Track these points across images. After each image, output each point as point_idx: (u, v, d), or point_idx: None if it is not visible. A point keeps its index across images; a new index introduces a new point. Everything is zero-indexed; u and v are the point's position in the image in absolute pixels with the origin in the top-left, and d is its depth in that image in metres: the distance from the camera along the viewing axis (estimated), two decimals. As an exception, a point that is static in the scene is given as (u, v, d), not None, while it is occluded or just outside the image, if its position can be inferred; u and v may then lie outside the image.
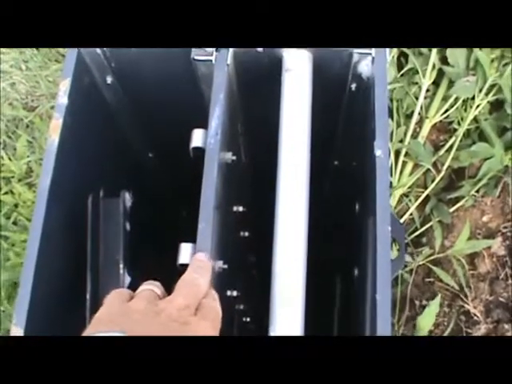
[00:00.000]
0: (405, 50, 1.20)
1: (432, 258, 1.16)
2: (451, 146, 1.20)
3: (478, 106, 1.18)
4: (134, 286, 0.50)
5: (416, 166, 1.22)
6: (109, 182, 0.70)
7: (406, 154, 1.20)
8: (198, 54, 0.61)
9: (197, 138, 0.58)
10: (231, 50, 0.61)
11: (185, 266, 0.52)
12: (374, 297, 0.52)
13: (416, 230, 1.20)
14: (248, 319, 0.98)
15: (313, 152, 0.60)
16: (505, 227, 1.16)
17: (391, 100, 1.22)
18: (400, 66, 1.23)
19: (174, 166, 0.80)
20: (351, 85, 0.65)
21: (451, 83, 1.18)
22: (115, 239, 0.64)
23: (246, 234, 0.88)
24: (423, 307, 1.10)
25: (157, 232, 0.85)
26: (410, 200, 1.21)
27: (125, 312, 0.45)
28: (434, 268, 1.14)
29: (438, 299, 1.07)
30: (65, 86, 0.60)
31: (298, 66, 0.62)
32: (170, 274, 0.50)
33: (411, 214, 1.21)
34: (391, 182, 1.19)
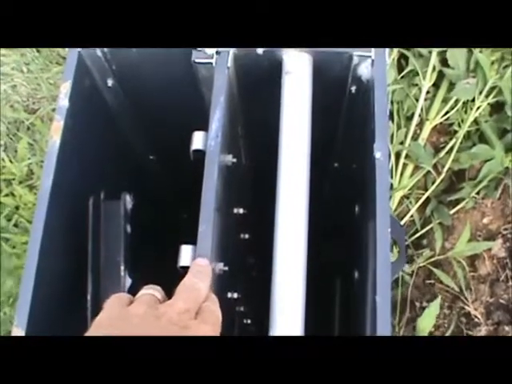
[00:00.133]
0: (405, 51, 1.20)
1: (432, 259, 1.16)
2: (451, 148, 1.20)
3: (478, 108, 1.18)
4: (134, 288, 0.50)
5: (416, 167, 1.22)
6: (110, 184, 0.70)
7: (407, 156, 1.20)
8: (198, 56, 0.61)
9: (197, 140, 0.58)
10: (231, 52, 0.61)
11: (185, 268, 0.52)
12: (374, 299, 0.52)
13: (416, 231, 1.20)
14: (249, 321, 0.98)
15: (313, 154, 0.60)
16: (505, 229, 1.16)
17: (391, 102, 1.22)
18: (400, 68, 1.23)
19: (174, 168, 0.80)
20: (351, 87, 0.65)
21: (451, 85, 1.18)
22: (116, 241, 0.64)
23: (247, 236, 0.88)
24: (424, 309, 1.09)
25: (158, 234, 0.85)
26: (410, 202, 1.21)
27: (125, 316, 0.46)
28: (435, 270, 1.14)
29: (437, 301, 1.07)
30: (66, 89, 0.61)
31: (298, 69, 0.62)
32: (170, 276, 0.50)
33: (412, 216, 1.21)
34: (392, 184, 1.19)
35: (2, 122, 1.40)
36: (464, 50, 1.15)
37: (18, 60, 1.45)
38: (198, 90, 0.65)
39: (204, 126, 0.58)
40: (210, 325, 0.47)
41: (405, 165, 1.21)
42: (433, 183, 1.20)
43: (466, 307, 1.11)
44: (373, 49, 0.60)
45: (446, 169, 1.19)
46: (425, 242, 1.20)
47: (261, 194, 0.63)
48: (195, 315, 0.47)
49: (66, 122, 0.60)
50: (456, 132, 1.22)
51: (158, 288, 0.50)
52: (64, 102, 0.60)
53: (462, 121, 1.20)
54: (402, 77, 1.22)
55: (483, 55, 1.13)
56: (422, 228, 1.20)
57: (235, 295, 0.74)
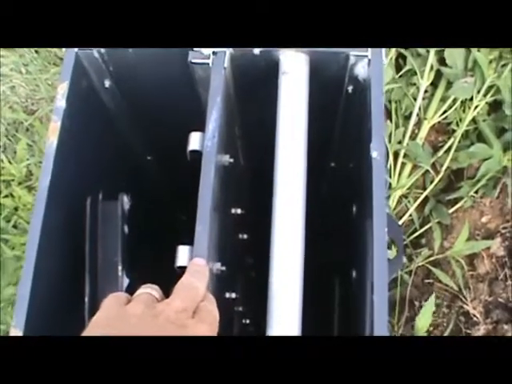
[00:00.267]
0: (403, 51, 1.20)
1: (431, 259, 1.16)
2: (450, 147, 1.20)
3: (476, 107, 1.18)
4: (132, 288, 0.50)
5: (415, 167, 1.22)
6: (107, 184, 0.70)
7: (405, 156, 1.20)
8: (195, 57, 0.61)
9: (194, 141, 0.58)
10: (228, 53, 0.61)
11: (182, 269, 0.52)
12: (372, 298, 0.52)
13: (415, 231, 1.20)
14: (247, 321, 0.98)
15: (310, 154, 0.60)
16: (504, 228, 1.16)
17: (389, 101, 1.22)
18: (398, 67, 1.23)
19: (172, 168, 0.80)
20: (348, 87, 0.66)
21: (449, 84, 1.18)
22: (113, 242, 0.65)
23: (245, 236, 0.88)
24: (422, 308, 1.10)
25: (155, 234, 0.85)
26: (409, 201, 1.21)
27: (122, 316, 0.46)
28: (434, 269, 1.14)
29: (432, 298, 1.06)
30: (63, 90, 0.61)
31: (294, 69, 0.62)
32: (167, 277, 0.50)
33: (410, 215, 1.21)
34: (390, 184, 1.19)
35: (1, 123, 1.40)
36: (462, 49, 1.16)
37: (17, 61, 1.46)
38: (194, 90, 0.65)
39: (201, 127, 0.59)
40: (207, 324, 0.47)
41: (403, 164, 1.21)
42: (431, 182, 1.20)
43: (465, 306, 1.11)
44: (369, 48, 0.61)
45: (444, 168, 1.19)
46: (423, 241, 1.20)
47: (259, 194, 0.64)
48: (193, 314, 0.47)
49: (63, 123, 0.60)
50: (454, 131, 1.22)
51: (156, 287, 0.50)
52: (61, 102, 0.60)
53: (460, 120, 1.20)
54: (400, 76, 1.22)
55: (481, 54, 1.13)
56: (421, 227, 1.20)
57: (233, 295, 0.74)
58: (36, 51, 1.46)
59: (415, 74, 1.20)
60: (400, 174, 1.21)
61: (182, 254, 0.54)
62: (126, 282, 0.64)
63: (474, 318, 1.09)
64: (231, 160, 0.66)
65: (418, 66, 1.19)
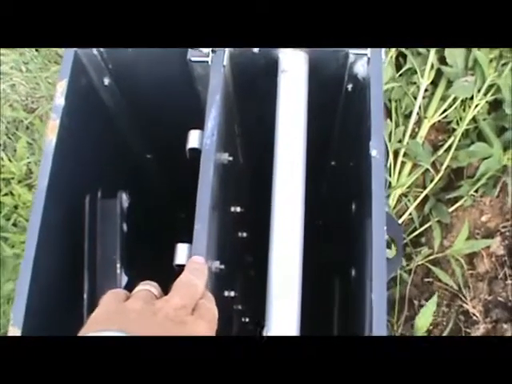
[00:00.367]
0: (403, 50, 1.20)
1: (431, 257, 1.16)
2: (450, 146, 1.20)
3: (476, 106, 1.18)
4: (130, 286, 0.50)
5: (415, 166, 1.22)
6: (106, 182, 0.70)
7: (405, 154, 1.20)
8: (194, 55, 0.61)
9: (193, 139, 0.58)
10: (227, 51, 0.61)
11: (181, 267, 0.52)
12: (371, 296, 0.52)
13: (415, 229, 1.20)
14: (247, 319, 0.98)
15: (310, 152, 0.60)
16: (504, 227, 1.16)
17: (390, 100, 1.22)
18: (398, 66, 1.23)
19: (171, 167, 0.80)
20: (347, 85, 0.65)
21: (450, 83, 1.18)
22: (112, 239, 0.65)
23: (244, 234, 0.88)
24: (422, 307, 1.10)
25: (154, 232, 0.85)
26: (408, 200, 1.21)
27: (121, 311, 0.46)
28: (433, 268, 1.14)
29: (434, 299, 1.07)
30: (62, 87, 0.61)
31: (293, 67, 0.62)
32: (166, 274, 0.50)
33: (410, 214, 1.21)
34: (390, 182, 1.19)
35: (1, 121, 1.40)
36: (462, 48, 1.15)
37: (17, 59, 1.45)
38: (193, 88, 0.65)
39: (200, 125, 0.59)
40: (206, 321, 0.47)
41: (403, 163, 1.21)
42: (431, 181, 1.20)
43: (465, 305, 1.11)
44: (369, 47, 0.61)
45: (444, 167, 1.19)
46: (423, 240, 1.20)
47: (258, 193, 0.63)
48: (191, 311, 0.47)
49: (62, 121, 0.60)
50: (454, 130, 1.22)
51: (155, 284, 0.50)
52: (60, 100, 0.60)
53: (461, 119, 1.20)
54: (400, 75, 1.22)
55: (481, 53, 1.13)
56: (421, 226, 1.20)
57: (232, 293, 0.74)
58: (36, 49, 1.46)
59: (415, 72, 1.20)
60: (400, 173, 1.21)
61: (181, 251, 0.54)
62: (124, 279, 0.64)
63: (474, 317, 1.09)
64: (230, 158, 0.66)
65: (419, 64, 1.19)
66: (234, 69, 0.63)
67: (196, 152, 0.58)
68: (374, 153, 0.57)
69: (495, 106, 1.21)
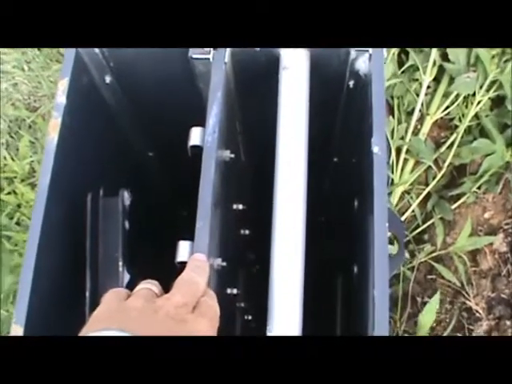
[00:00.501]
0: (405, 46, 1.20)
1: (434, 254, 1.15)
2: (452, 143, 1.19)
3: (478, 103, 1.18)
4: (132, 284, 0.50)
5: (417, 163, 1.22)
6: (108, 180, 0.70)
7: (407, 151, 1.20)
8: (195, 52, 0.61)
9: (195, 136, 0.58)
10: (229, 48, 0.61)
11: (183, 264, 0.52)
12: (373, 293, 0.52)
13: (418, 227, 1.20)
14: (250, 317, 0.98)
15: (311, 149, 0.60)
16: (506, 224, 1.15)
17: (392, 97, 1.22)
18: (401, 63, 1.23)
19: (173, 164, 0.80)
20: (349, 82, 0.65)
21: (452, 80, 1.18)
22: (114, 237, 0.65)
23: (247, 231, 0.88)
24: (425, 304, 1.09)
25: (156, 230, 0.85)
26: (411, 197, 1.21)
27: (122, 309, 0.46)
28: (436, 265, 1.14)
29: (437, 296, 1.06)
30: (63, 86, 0.61)
31: (295, 64, 0.62)
32: (168, 272, 0.50)
33: (413, 211, 1.21)
34: (393, 180, 1.19)
35: (4, 120, 1.40)
36: (464, 45, 1.15)
37: (19, 58, 1.46)
38: (195, 85, 0.65)
39: (202, 122, 0.58)
40: (207, 319, 0.47)
41: (406, 160, 1.21)
42: (434, 178, 1.20)
43: (468, 302, 1.10)
44: (370, 44, 0.60)
45: (446, 164, 1.19)
46: (426, 237, 1.20)
47: (260, 190, 0.63)
48: (193, 309, 0.47)
49: (64, 119, 0.60)
50: (457, 127, 1.21)
51: (156, 282, 0.50)
52: (61, 98, 0.60)
53: (463, 115, 1.20)
54: (403, 72, 1.22)
55: (483, 49, 1.12)
56: (423, 223, 1.20)
57: (235, 291, 0.74)
58: (38, 48, 1.46)
59: (418, 69, 1.19)
60: (402, 170, 1.21)
61: (183, 249, 0.54)
62: (126, 277, 0.64)
63: (477, 314, 1.09)
64: (232, 155, 0.66)
65: (421, 61, 1.19)
66: (235, 66, 0.63)
67: (198, 149, 0.58)
68: (375, 149, 0.57)
69: (497, 102, 1.21)
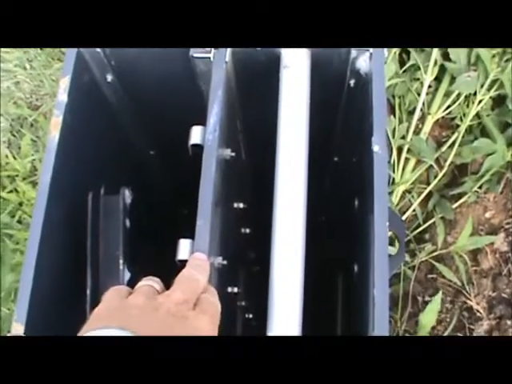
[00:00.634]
0: (406, 46, 1.20)
1: (435, 254, 1.15)
2: (453, 142, 1.20)
3: (480, 102, 1.18)
4: (133, 282, 0.50)
5: (418, 162, 1.22)
6: (109, 179, 0.70)
7: (409, 151, 1.20)
8: (196, 51, 0.61)
9: (195, 135, 0.58)
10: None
11: (183, 262, 0.52)
12: (372, 292, 0.52)
13: (419, 226, 1.20)
14: (250, 316, 0.99)
15: (313, 148, 0.60)
16: (507, 223, 1.15)
17: (393, 96, 1.22)
18: (402, 63, 1.23)
19: (174, 163, 0.80)
20: (350, 81, 0.65)
21: (453, 79, 1.18)
22: (115, 236, 0.65)
23: (248, 230, 0.88)
24: (426, 303, 1.10)
25: (157, 228, 0.85)
26: (412, 196, 1.21)
27: (123, 307, 0.46)
28: (437, 264, 1.14)
29: (439, 295, 1.07)
30: (64, 84, 0.61)
31: (296, 63, 0.62)
32: (169, 270, 0.50)
33: (414, 211, 1.21)
34: (394, 179, 1.19)
35: (6, 118, 1.41)
36: (465, 44, 1.15)
37: (21, 57, 1.46)
38: (196, 84, 0.65)
39: (203, 121, 0.59)
40: (208, 316, 0.47)
41: (407, 159, 1.21)
42: (435, 177, 1.20)
43: (468, 301, 1.10)
44: (371, 42, 0.60)
45: (448, 163, 1.19)
46: (427, 236, 1.20)
47: (261, 189, 0.64)
48: (193, 306, 0.47)
49: (65, 118, 0.60)
50: (458, 126, 1.21)
51: (157, 279, 0.50)
52: (63, 97, 0.60)
53: (464, 115, 1.20)
54: (404, 71, 1.22)
55: (484, 49, 1.12)
56: (425, 222, 1.20)
57: (235, 290, 0.74)
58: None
59: (419, 68, 1.19)
60: (404, 169, 1.21)
61: (183, 247, 0.54)
62: (127, 275, 0.64)
63: (478, 314, 1.09)
64: (233, 154, 0.66)
65: (422, 60, 1.19)
66: (236, 65, 0.63)
67: (198, 148, 0.58)
68: (376, 148, 0.57)
69: (499, 101, 1.21)
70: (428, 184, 1.22)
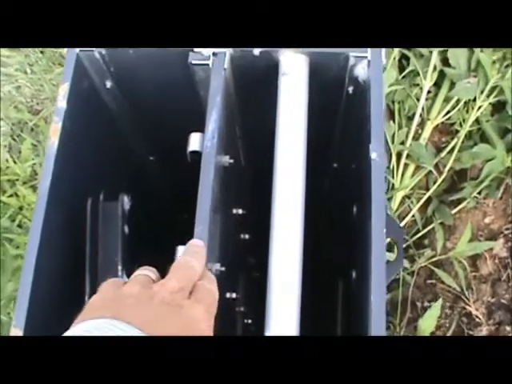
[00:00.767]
0: (406, 51, 1.20)
1: (434, 259, 1.15)
2: (453, 148, 1.20)
3: (479, 108, 1.18)
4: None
5: (418, 167, 1.22)
6: (109, 185, 0.71)
7: (408, 156, 1.20)
8: (195, 58, 0.61)
9: (194, 141, 0.59)
10: (228, 54, 0.61)
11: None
12: (370, 298, 0.52)
13: (418, 231, 1.20)
14: (249, 321, 0.99)
15: (311, 155, 0.60)
16: (507, 229, 1.15)
17: (393, 102, 1.22)
18: (401, 68, 1.23)
19: (173, 169, 0.80)
20: (348, 88, 0.66)
21: (453, 85, 1.18)
22: (114, 241, 0.65)
23: (247, 236, 0.89)
24: (425, 309, 1.10)
25: (155, 234, 0.86)
26: (411, 202, 1.21)
27: (118, 297, 0.45)
28: (436, 270, 1.14)
29: (439, 302, 1.07)
30: (64, 91, 0.61)
31: (294, 70, 0.62)
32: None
33: (413, 216, 1.21)
34: (393, 184, 1.19)
35: (6, 122, 1.41)
36: (465, 50, 1.15)
37: (22, 61, 1.46)
38: (195, 91, 0.66)
39: (202, 128, 0.59)
40: (203, 304, 0.46)
41: (406, 165, 1.21)
42: (434, 183, 1.20)
43: (468, 307, 1.10)
44: (369, 49, 0.61)
45: (447, 168, 1.19)
46: (426, 241, 1.20)
47: (260, 195, 0.64)
48: (189, 294, 0.46)
49: (64, 124, 0.60)
50: (457, 132, 1.21)
51: (153, 269, 0.49)
52: (62, 103, 0.60)
53: (464, 120, 1.20)
54: (403, 77, 1.22)
55: (484, 54, 1.13)
56: (424, 228, 1.20)
57: (234, 295, 0.74)
58: (41, 51, 1.46)
59: (418, 74, 1.20)
60: (403, 175, 1.21)
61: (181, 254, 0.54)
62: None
63: (477, 319, 1.09)
64: (231, 161, 0.66)
65: (421, 66, 1.19)
66: (234, 71, 0.64)
67: (197, 155, 0.58)
68: (373, 155, 0.57)
69: (498, 107, 1.21)
70: (427, 189, 1.22)
